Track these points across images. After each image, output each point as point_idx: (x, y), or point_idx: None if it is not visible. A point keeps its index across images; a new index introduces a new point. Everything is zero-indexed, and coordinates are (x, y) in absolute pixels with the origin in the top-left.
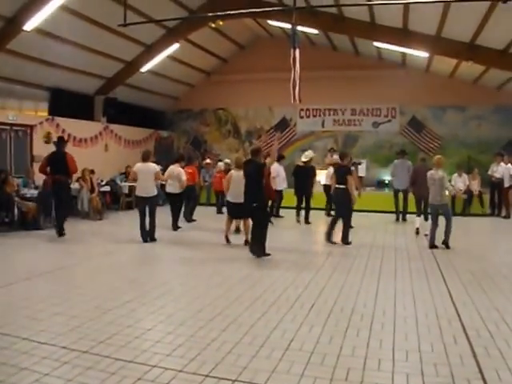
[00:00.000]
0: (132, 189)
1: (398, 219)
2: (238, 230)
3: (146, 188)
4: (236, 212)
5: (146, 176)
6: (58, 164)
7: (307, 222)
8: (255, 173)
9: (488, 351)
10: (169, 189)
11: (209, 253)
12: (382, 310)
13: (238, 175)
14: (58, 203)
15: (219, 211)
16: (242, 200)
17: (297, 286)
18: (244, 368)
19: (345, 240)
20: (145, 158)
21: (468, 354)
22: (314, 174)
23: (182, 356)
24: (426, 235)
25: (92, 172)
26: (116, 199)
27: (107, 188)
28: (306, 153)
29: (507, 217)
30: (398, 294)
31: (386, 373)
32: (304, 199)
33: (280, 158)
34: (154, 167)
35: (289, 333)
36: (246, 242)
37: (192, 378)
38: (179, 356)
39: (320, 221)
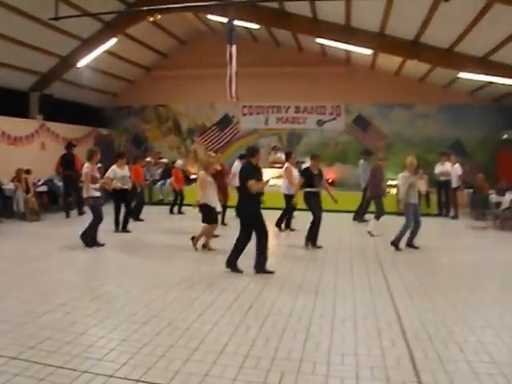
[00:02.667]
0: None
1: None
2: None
3: None
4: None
5: None
6: (68, 163)
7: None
8: None
9: (426, 354)
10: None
11: (147, 254)
12: (320, 312)
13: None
14: (69, 192)
15: (172, 211)
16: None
17: (236, 287)
18: (176, 372)
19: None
20: (88, 158)
21: (405, 356)
22: None
23: (113, 361)
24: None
25: (28, 172)
26: (55, 199)
27: (44, 188)
28: None
29: (455, 217)
30: (338, 296)
31: (320, 376)
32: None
33: (242, 157)
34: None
35: (224, 336)
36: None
37: (123, 383)
38: (110, 360)
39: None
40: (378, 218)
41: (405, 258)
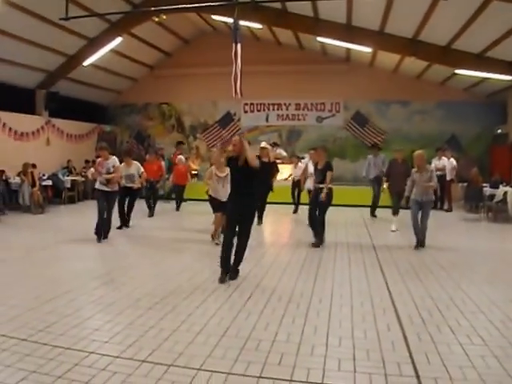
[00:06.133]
0: (75, 183)
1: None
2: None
3: None
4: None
5: None
6: None
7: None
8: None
9: (419, 337)
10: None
11: (152, 246)
12: (318, 298)
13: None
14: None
15: (179, 208)
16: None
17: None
18: (180, 354)
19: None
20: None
21: (400, 340)
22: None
23: (119, 343)
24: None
25: (33, 166)
26: (58, 193)
27: (49, 182)
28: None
29: (449, 210)
30: (335, 284)
31: (319, 357)
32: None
33: None
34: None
35: (226, 320)
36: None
37: (128, 364)
38: (117, 343)
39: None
40: (395, 213)
41: (400, 248)
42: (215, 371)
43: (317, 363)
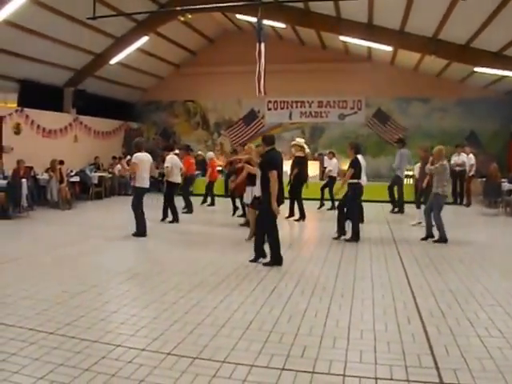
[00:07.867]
0: (102, 180)
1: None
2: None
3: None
4: None
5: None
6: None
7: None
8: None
9: (439, 329)
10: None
11: (177, 241)
12: (340, 292)
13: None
14: None
15: (213, 203)
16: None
17: (259, 270)
18: (205, 346)
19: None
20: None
21: (420, 332)
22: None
23: (145, 336)
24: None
25: (61, 163)
26: (85, 189)
27: (77, 178)
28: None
29: (468, 205)
30: (357, 279)
31: (341, 350)
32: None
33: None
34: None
35: (249, 314)
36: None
37: (154, 356)
38: (143, 336)
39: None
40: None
41: (419, 243)
42: (239, 363)
43: (339, 355)
